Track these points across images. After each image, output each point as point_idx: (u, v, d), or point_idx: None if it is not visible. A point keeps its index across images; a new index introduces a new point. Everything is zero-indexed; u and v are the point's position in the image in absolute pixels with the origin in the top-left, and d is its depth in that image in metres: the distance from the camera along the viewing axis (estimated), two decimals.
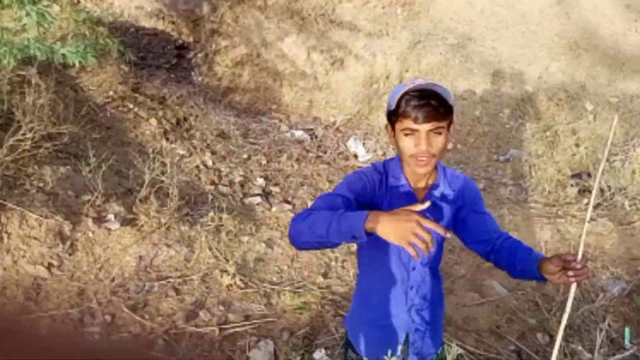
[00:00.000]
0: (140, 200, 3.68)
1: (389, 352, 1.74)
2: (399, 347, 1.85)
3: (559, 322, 3.57)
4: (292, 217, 1.60)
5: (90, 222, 3.43)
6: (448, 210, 1.78)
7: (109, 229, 3.48)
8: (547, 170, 5.13)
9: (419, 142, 1.55)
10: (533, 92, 6.03)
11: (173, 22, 5.49)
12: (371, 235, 1.41)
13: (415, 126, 1.53)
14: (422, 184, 1.74)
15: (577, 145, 5.44)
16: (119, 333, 3.04)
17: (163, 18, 5.44)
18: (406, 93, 1.53)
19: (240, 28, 5.62)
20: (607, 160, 5.26)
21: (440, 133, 1.57)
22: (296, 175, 4.48)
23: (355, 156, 4.94)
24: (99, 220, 3.49)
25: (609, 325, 3.71)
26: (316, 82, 5.62)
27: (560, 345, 3.57)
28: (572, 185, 5.04)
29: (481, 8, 6.64)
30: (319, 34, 5.87)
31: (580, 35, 6.59)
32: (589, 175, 5.21)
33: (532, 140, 5.54)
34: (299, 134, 4.95)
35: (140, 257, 3.44)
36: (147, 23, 5.41)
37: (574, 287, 1.49)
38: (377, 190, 1.70)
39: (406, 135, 1.57)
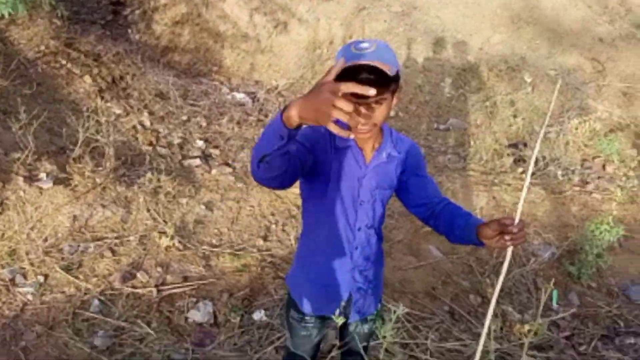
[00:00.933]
0: (74, 160, 3.66)
1: (335, 310, 1.86)
2: (342, 304, 1.93)
3: (492, 285, 3.81)
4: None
5: (20, 180, 3.40)
6: (393, 171, 1.85)
7: (41, 188, 3.46)
8: (485, 139, 5.36)
9: (357, 114, 1.58)
10: (474, 63, 6.24)
11: None
12: (297, 130, 1.40)
13: (354, 100, 1.52)
14: (369, 145, 1.79)
15: (515, 116, 5.70)
16: (52, 294, 3.06)
17: None
18: (346, 68, 1.47)
19: None
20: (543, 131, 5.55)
21: (381, 104, 1.60)
22: (237, 138, 4.53)
23: None
24: (30, 179, 3.46)
25: (537, 287, 3.98)
26: (259, 45, 5.62)
27: (493, 308, 3.82)
28: (508, 155, 5.30)
29: None
30: None
31: (522, 8, 6.83)
32: (525, 145, 5.50)
33: (471, 110, 5.75)
34: (240, 96, 4.98)
35: (75, 217, 3.45)
36: None
37: (510, 250, 1.55)
38: (329, 148, 1.74)
39: None
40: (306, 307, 1.97)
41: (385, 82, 1.55)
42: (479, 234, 1.64)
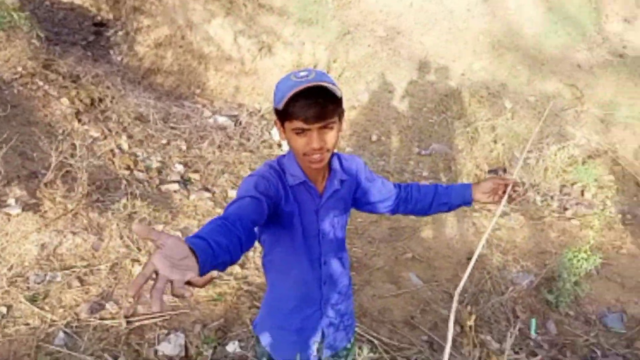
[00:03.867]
0: (46, 185, 3.44)
1: (309, 353, 1.80)
2: (314, 347, 1.84)
3: (470, 314, 3.65)
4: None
5: None
6: (347, 195, 1.80)
7: (9, 215, 3.24)
8: (466, 165, 5.23)
9: (311, 140, 1.51)
10: (456, 88, 6.13)
11: None
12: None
13: (306, 126, 1.48)
14: (320, 176, 1.71)
15: (495, 141, 5.59)
16: (15, 326, 2.83)
17: None
18: (294, 93, 1.44)
19: (163, 7, 5.37)
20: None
21: (332, 128, 1.53)
22: (217, 162, 4.33)
23: (279, 145, 4.84)
24: None
25: (517, 316, 3.84)
26: (242, 68, 5.45)
27: (471, 337, 3.66)
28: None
29: (410, 2, 6.67)
30: (247, 18, 5.70)
31: (504, 34, 6.75)
32: (505, 170, 5.37)
33: (453, 135, 5.63)
34: (222, 120, 4.78)
35: (43, 245, 3.22)
36: None
37: (503, 203, 1.70)
38: (280, 189, 1.65)
39: (297, 134, 1.52)
40: (279, 355, 1.85)
41: (334, 105, 1.50)
42: (477, 188, 1.79)
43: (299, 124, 1.48)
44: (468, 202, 1.83)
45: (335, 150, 1.79)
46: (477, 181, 1.84)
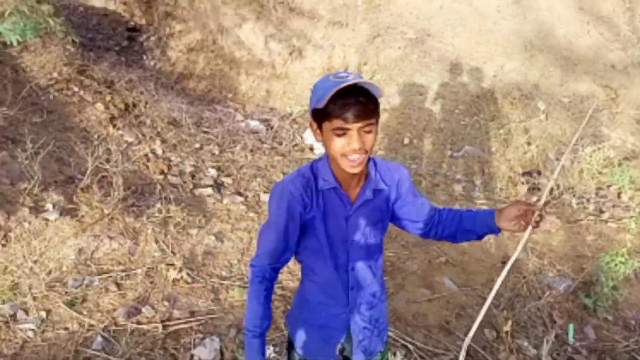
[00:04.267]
0: (82, 190, 3.45)
1: (332, 353, 1.80)
2: (337, 347, 1.82)
3: (506, 319, 3.55)
4: (250, 266, 1.73)
5: (26, 211, 3.19)
6: (383, 205, 1.74)
7: (47, 220, 3.25)
8: (500, 167, 5.12)
9: (351, 141, 1.47)
10: (488, 90, 6.02)
11: (125, 3, 5.19)
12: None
13: (347, 125, 1.45)
14: (354, 182, 1.66)
15: (529, 143, 5.47)
16: (54, 330, 2.84)
17: None
18: (335, 92, 1.42)
19: (195, 12, 5.38)
20: (557, 159, 5.30)
21: (370, 131, 1.49)
22: (250, 166, 4.31)
23: (311, 148, 4.80)
24: (36, 210, 3.25)
25: (554, 321, 3.74)
26: (274, 71, 5.43)
27: (507, 342, 3.56)
28: (522, 183, 5.06)
29: (440, 4, 6.58)
30: (277, 22, 5.69)
31: (535, 35, 6.61)
32: (539, 173, 5.24)
33: (486, 138, 5.52)
34: (254, 124, 4.76)
35: (80, 250, 3.23)
36: (97, 2, 5.09)
37: (529, 230, 1.53)
38: (305, 199, 1.63)
39: (337, 135, 1.48)
40: (302, 348, 1.85)
41: (374, 106, 1.48)
42: (501, 216, 1.62)
43: (339, 123, 1.45)
44: (494, 231, 1.67)
45: (379, 157, 1.76)
46: (502, 206, 1.66)
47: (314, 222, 1.65)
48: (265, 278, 1.69)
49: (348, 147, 1.47)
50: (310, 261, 1.75)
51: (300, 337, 1.85)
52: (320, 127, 1.53)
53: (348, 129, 1.45)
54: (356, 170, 1.54)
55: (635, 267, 4.30)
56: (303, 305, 1.84)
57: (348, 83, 1.41)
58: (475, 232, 1.73)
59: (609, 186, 5.29)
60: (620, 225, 4.78)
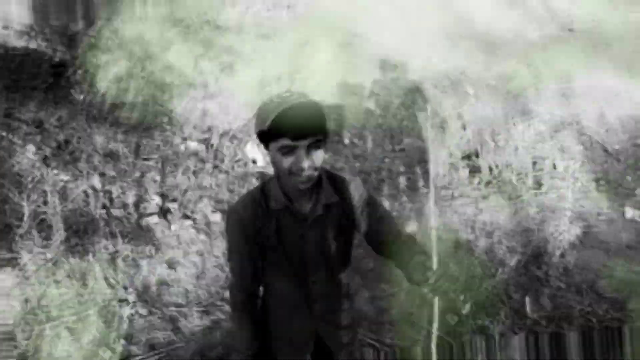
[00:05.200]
0: (21, 237, 3.25)
1: None
2: (307, 358, 1.84)
3: (464, 302, 3.58)
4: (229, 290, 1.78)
5: None
6: (336, 219, 1.68)
7: None
8: (440, 155, 5.17)
9: (298, 159, 1.43)
10: (419, 82, 6.08)
11: (47, 40, 4.97)
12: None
13: (293, 143, 1.41)
14: (305, 198, 1.62)
15: (464, 128, 5.54)
16: None
17: (35, 36, 4.90)
18: (280, 111, 1.41)
19: (120, 41, 5.22)
20: (492, 140, 5.40)
21: (319, 146, 1.46)
22: (194, 188, 4.18)
23: (254, 161, 4.71)
24: None
25: (510, 297, 3.79)
26: (207, 91, 5.32)
27: (469, 324, 3.59)
28: (463, 167, 5.12)
29: (364, 5, 6.62)
30: (205, 41, 5.59)
31: (457, 24, 6.75)
32: (477, 155, 5.31)
33: (423, 128, 5.57)
34: (193, 145, 4.63)
35: (26, 300, 3.03)
36: (17, 43, 4.85)
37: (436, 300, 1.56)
38: (257, 223, 1.61)
39: (283, 154, 1.44)
40: None
41: (321, 122, 1.46)
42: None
43: (285, 141, 1.41)
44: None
45: (331, 170, 1.74)
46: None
47: (270, 241, 1.63)
48: (245, 303, 1.75)
49: (296, 166, 1.44)
50: (271, 277, 1.74)
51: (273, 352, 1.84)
52: (267, 147, 1.50)
53: (295, 147, 1.42)
54: (306, 186, 1.51)
55: (578, 232, 4.43)
56: (271, 321, 1.83)
57: (290, 104, 1.40)
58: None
59: (544, 159, 5.41)
60: (559, 195, 4.90)
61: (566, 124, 5.87)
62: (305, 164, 1.43)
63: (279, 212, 1.60)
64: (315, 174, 1.49)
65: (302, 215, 1.63)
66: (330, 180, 1.68)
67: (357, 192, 1.72)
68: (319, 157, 1.47)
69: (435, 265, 1.51)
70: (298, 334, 1.80)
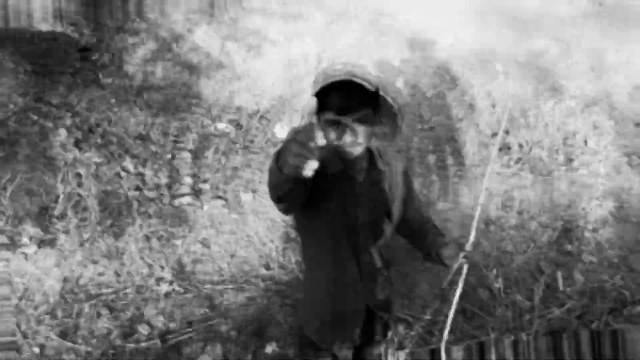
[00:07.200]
0: (57, 218, 3.27)
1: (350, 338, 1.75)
2: (356, 332, 1.77)
3: (497, 277, 3.52)
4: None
5: (2, 249, 3.00)
6: (387, 187, 1.69)
7: (26, 254, 3.07)
8: (469, 132, 5.07)
9: (341, 134, 1.44)
10: (447, 60, 5.97)
11: (73, 24, 4.96)
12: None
13: (338, 118, 1.42)
14: (357, 164, 1.62)
15: (493, 105, 5.43)
16: None
17: (61, 19, 4.89)
18: (325, 86, 1.39)
19: (145, 23, 5.20)
20: (523, 117, 5.27)
21: (366, 121, 1.45)
22: (225, 168, 4.16)
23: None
24: (13, 245, 3.07)
25: (542, 272, 3.74)
26: (234, 72, 5.28)
27: (501, 298, 3.53)
28: (493, 145, 5.02)
29: None
30: (230, 22, 5.55)
31: (486, 1, 6.60)
32: (507, 132, 5.21)
33: (452, 106, 5.47)
34: (222, 126, 4.60)
35: (65, 279, 3.06)
36: (44, 27, 4.86)
37: (465, 267, 1.67)
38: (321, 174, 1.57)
39: (329, 125, 1.43)
40: (320, 340, 1.79)
41: (369, 96, 1.42)
42: (441, 253, 1.70)
43: (330, 115, 1.42)
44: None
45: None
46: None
47: (324, 199, 1.58)
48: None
49: (338, 140, 1.44)
50: (322, 245, 1.67)
51: (317, 329, 1.79)
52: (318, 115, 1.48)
53: (339, 121, 1.42)
54: (351, 157, 1.51)
55: (610, 207, 4.33)
56: (317, 297, 1.77)
57: (337, 75, 1.37)
58: (430, 258, 1.78)
59: (574, 135, 5.29)
60: (590, 170, 4.79)
61: (597, 100, 5.73)
62: (348, 138, 1.42)
63: (333, 176, 1.57)
64: (359, 148, 1.48)
65: (355, 180, 1.61)
66: (381, 152, 1.69)
67: (401, 164, 1.76)
68: (367, 131, 1.46)
69: (472, 239, 1.65)
70: (345, 307, 1.74)
